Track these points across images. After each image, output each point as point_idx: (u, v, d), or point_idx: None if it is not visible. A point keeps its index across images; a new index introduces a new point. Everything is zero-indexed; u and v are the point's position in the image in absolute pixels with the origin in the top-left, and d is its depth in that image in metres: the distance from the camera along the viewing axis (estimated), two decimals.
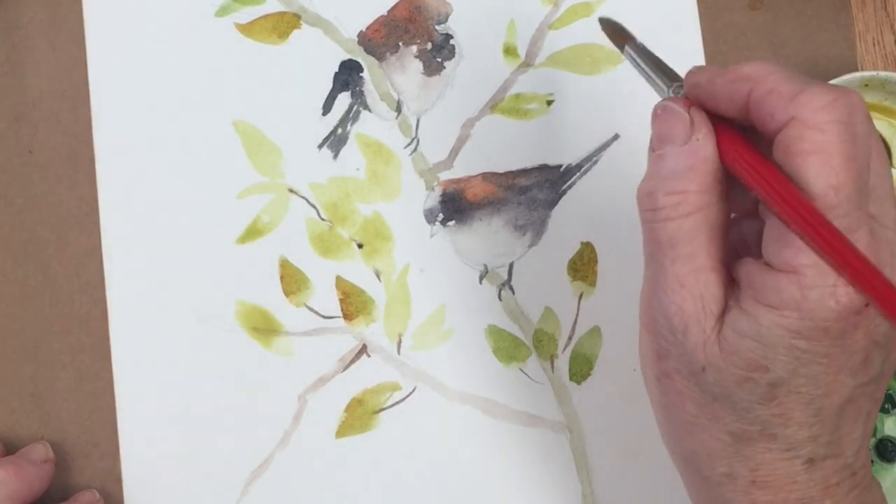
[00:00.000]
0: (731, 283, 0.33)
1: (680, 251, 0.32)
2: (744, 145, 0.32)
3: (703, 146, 0.32)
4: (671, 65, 0.49)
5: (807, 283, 0.30)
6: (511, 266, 0.49)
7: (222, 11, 0.50)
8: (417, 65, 0.50)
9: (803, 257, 0.30)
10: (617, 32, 0.39)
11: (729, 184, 0.33)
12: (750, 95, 0.31)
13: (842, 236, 0.30)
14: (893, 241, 0.32)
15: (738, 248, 0.35)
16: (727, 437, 0.33)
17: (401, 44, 0.50)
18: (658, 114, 0.34)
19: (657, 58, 0.36)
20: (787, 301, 0.30)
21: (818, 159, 0.30)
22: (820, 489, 0.33)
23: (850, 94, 0.31)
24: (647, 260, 0.34)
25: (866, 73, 0.46)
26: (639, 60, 0.37)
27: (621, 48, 0.37)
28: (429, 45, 0.50)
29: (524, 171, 0.49)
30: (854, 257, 0.30)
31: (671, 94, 0.34)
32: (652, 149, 0.34)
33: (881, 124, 0.48)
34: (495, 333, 0.49)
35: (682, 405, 0.33)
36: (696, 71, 0.34)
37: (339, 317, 0.49)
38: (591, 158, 0.49)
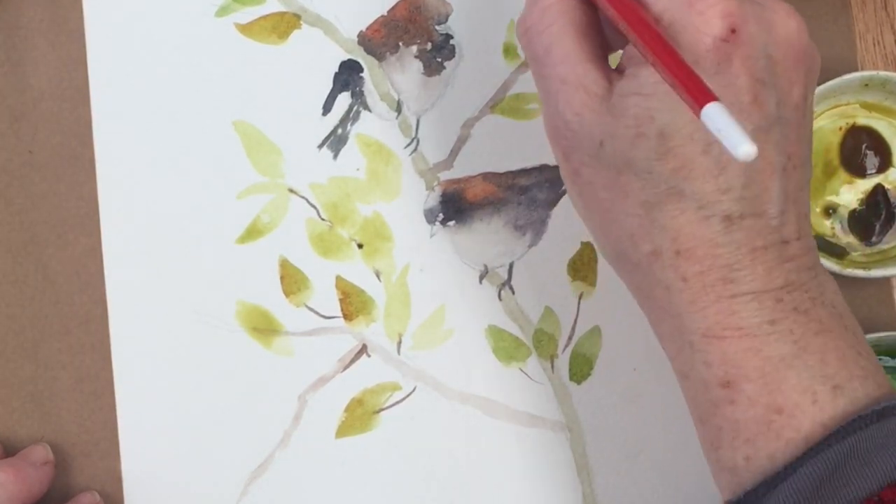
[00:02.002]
0: (618, 72, 0.35)
1: (555, 55, 0.35)
2: None
3: None
4: None
5: (665, 25, 0.33)
6: (511, 266, 0.49)
7: (222, 11, 0.50)
8: (417, 65, 0.50)
9: (657, 5, 0.33)
10: None
11: None
12: None
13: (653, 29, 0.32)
14: None
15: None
16: (641, 210, 0.34)
17: (401, 44, 0.50)
18: None
19: None
20: None
21: None
22: (746, 252, 0.33)
23: None
24: (535, 82, 0.36)
25: (866, 73, 0.46)
26: None
27: None
28: (429, 45, 0.50)
29: (524, 171, 0.49)
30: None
31: None
32: None
33: (881, 124, 0.48)
34: (495, 333, 0.49)
35: (594, 194, 0.35)
36: None
37: (339, 317, 0.49)
38: None
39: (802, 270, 0.34)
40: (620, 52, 0.36)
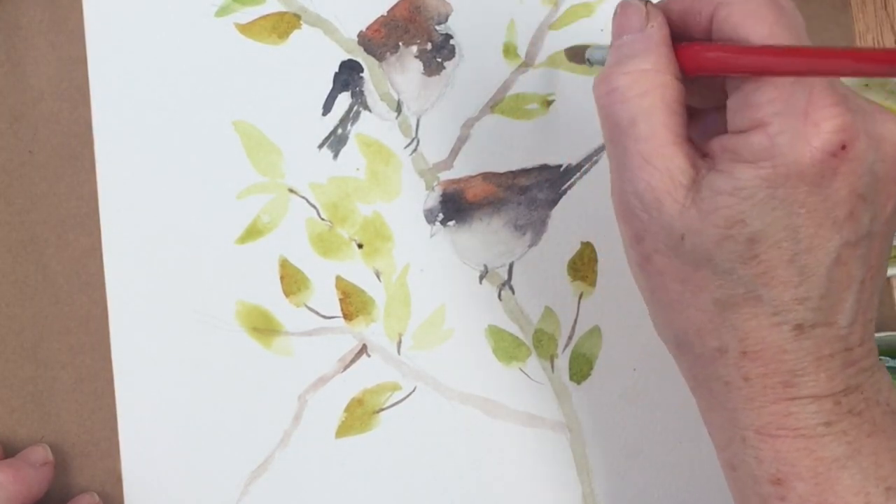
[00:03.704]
0: (702, 157, 0.33)
1: (641, 129, 0.33)
2: (697, 42, 0.34)
3: (657, 31, 0.34)
4: None
5: (775, 131, 0.31)
6: (511, 266, 0.49)
7: (222, 11, 0.50)
8: (417, 65, 0.50)
9: (767, 108, 0.31)
10: (578, 54, 0.41)
11: (692, 86, 0.34)
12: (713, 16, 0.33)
13: (804, 48, 0.31)
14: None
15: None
16: (713, 307, 0.33)
17: (401, 44, 0.50)
18: (618, 12, 0.35)
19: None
20: (760, 152, 0.31)
21: (749, 21, 0.32)
22: (812, 360, 0.33)
23: None
24: (609, 148, 0.34)
25: None
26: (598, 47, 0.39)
27: (586, 61, 0.40)
28: (429, 45, 0.50)
29: (524, 171, 0.49)
30: (833, 52, 0.30)
31: None
32: (612, 42, 0.35)
33: None
34: (495, 333, 0.49)
35: (665, 284, 0.34)
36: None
37: (339, 317, 0.49)
38: (591, 158, 0.49)
39: (862, 373, 0.34)
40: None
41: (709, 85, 0.35)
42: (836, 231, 0.32)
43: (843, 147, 0.31)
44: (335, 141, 0.50)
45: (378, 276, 0.49)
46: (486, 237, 0.49)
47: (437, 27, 0.50)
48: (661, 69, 0.33)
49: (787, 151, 0.31)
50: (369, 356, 0.49)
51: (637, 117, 0.33)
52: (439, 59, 0.50)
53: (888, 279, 0.48)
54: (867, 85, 0.46)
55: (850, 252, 0.32)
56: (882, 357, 0.46)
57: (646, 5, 0.34)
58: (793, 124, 0.31)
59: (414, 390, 0.48)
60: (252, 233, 0.49)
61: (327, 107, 0.50)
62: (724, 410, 0.34)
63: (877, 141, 0.32)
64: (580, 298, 0.49)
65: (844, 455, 0.33)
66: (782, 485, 0.33)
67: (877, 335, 0.45)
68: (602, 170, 0.49)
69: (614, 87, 0.33)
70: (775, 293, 0.32)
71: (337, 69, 0.50)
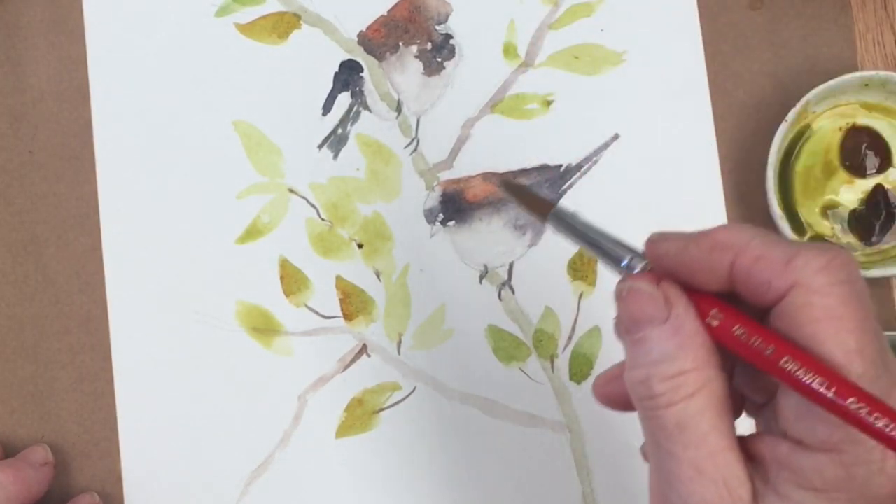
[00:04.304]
0: (749, 461, 0.29)
1: (691, 435, 0.29)
2: (737, 316, 0.29)
3: (685, 320, 0.29)
4: (672, 68, 0.49)
5: (850, 461, 0.27)
6: (511, 266, 0.49)
7: (222, 11, 0.50)
8: (417, 65, 0.50)
9: (841, 433, 0.27)
10: (533, 201, 0.34)
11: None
12: (734, 265, 0.29)
13: (882, 404, 0.26)
14: None
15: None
16: None
17: (401, 44, 0.50)
18: (624, 296, 0.30)
19: (596, 229, 0.32)
20: (832, 482, 0.27)
21: (832, 325, 0.27)
22: None
23: (844, 253, 0.28)
24: (651, 450, 0.30)
25: (866, 73, 0.46)
26: (575, 228, 0.32)
27: (543, 218, 0.33)
28: (429, 45, 0.50)
29: (524, 171, 0.49)
30: None
31: (627, 266, 0.31)
32: (625, 331, 0.30)
33: (881, 124, 0.47)
34: (495, 333, 0.49)
35: None
36: (659, 239, 0.30)
37: (339, 317, 0.49)
38: (591, 158, 0.49)
39: None
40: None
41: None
42: None
43: None
44: (335, 141, 0.49)
45: (378, 276, 0.49)
46: (486, 237, 0.49)
47: (437, 27, 0.50)
48: (702, 366, 0.29)
49: (864, 485, 0.27)
50: (369, 356, 0.49)
51: (685, 422, 0.29)
52: (439, 59, 0.50)
53: (888, 279, 0.48)
54: (867, 85, 0.46)
55: None
56: None
57: (659, 287, 0.30)
58: (870, 455, 0.27)
59: (414, 390, 0.48)
60: (252, 233, 0.49)
61: (327, 107, 0.50)
62: None
63: None
64: (580, 298, 0.49)
65: None
66: None
67: None
68: (602, 170, 0.49)
69: (655, 393, 0.29)
70: None
71: (337, 69, 0.50)
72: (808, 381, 0.27)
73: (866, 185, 0.47)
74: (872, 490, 0.27)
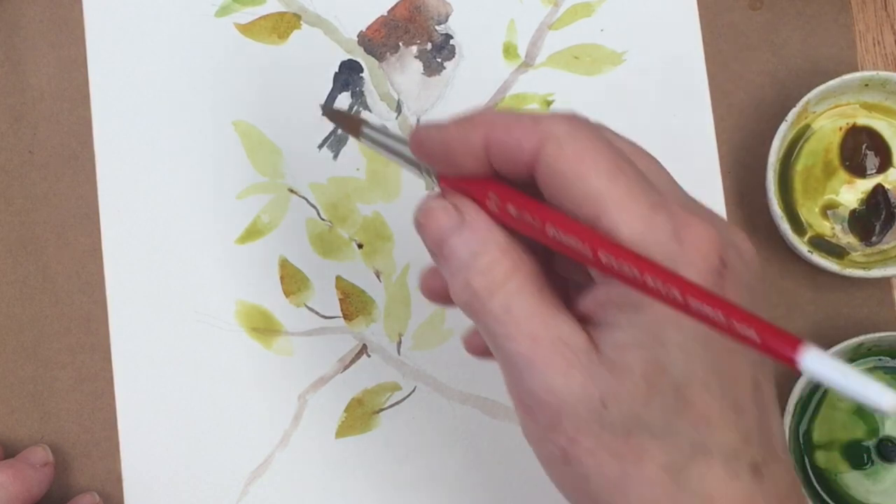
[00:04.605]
0: (581, 317, 0.31)
1: (519, 312, 0.30)
2: (509, 195, 0.31)
3: (478, 218, 0.31)
4: (672, 68, 0.49)
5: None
6: None
7: (222, 11, 0.50)
8: (417, 65, 0.50)
9: (649, 239, 0.29)
10: (347, 121, 0.37)
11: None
12: (488, 139, 0.31)
13: (630, 253, 0.28)
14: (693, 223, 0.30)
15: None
16: (663, 475, 0.29)
17: (401, 44, 0.50)
18: (422, 221, 0.32)
19: (403, 138, 0.34)
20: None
21: (585, 166, 0.29)
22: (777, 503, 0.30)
23: (585, 117, 0.31)
24: (493, 348, 0.31)
25: (866, 73, 0.46)
26: (384, 142, 0.35)
27: (357, 135, 0.36)
28: (429, 45, 0.50)
29: None
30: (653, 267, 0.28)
31: (429, 171, 0.33)
32: (437, 253, 0.32)
33: (881, 124, 0.48)
34: None
35: (601, 466, 0.30)
36: (421, 128, 0.32)
37: (339, 317, 0.49)
38: None
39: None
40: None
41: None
42: (743, 353, 0.30)
43: (723, 262, 0.29)
44: (335, 141, 0.50)
45: (378, 276, 0.49)
46: None
47: (437, 27, 0.50)
48: (507, 250, 0.31)
49: None
50: (369, 356, 0.49)
51: (510, 303, 0.30)
52: (439, 59, 0.50)
53: (887, 279, 0.48)
54: (867, 85, 0.46)
55: (759, 371, 0.30)
56: (882, 357, 0.46)
57: (445, 197, 0.32)
58: (672, 253, 0.29)
59: (414, 390, 0.48)
60: (252, 233, 0.49)
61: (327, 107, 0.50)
62: None
63: (739, 250, 0.31)
64: None
65: None
66: None
67: (877, 335, 0.45)
68: None
69: (476, 289, 0.31)
70: (720, 438, 0.29)
71: (337, 69, 0.50)
72: (569, 244, 0.29)
73: (866, 185, 0.47)
74: None
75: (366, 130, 0.35)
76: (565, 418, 0.30)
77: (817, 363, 0.25)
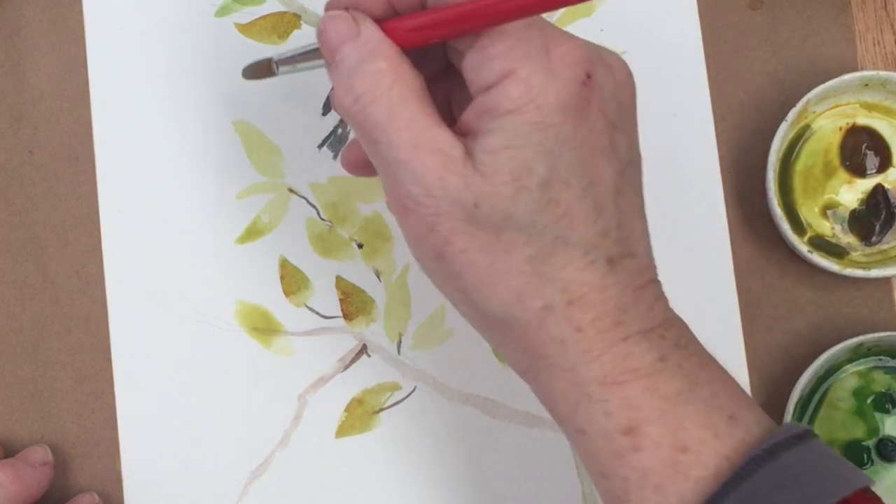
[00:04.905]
0: (460, 133, 0.34)
1: (401, 120, 0.33)
2: (404, 18, 0.34)
3: (373, 32, 0.34)
4: (672, 68, 0.49)
5: (526, 74, 0.32)
6: None
7: (222, 11, 0.50)
8: None
9: (510, 55, 0.32)
10: (261, 68, 0.41)
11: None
12: None
13: None
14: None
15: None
16: (528, 266, 0.33)
17: None
18: (322, 29, 0.35)
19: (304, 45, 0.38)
20: (519, 98, 0.32)
21: None
22: (630, 293, 0.34)
23: None
24: (372, 153, 0.34)
25: (866, 73, 0.46)
26: (295, 58, 0.39)
27: (274, 73, 0.40)
28: None
29: None
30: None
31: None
32: (330, 61, 0.35)
33: (881, 124, 0.48)
34: None
35: (472, 262, 0.33)
36: (329, 3, 0.36)
37: (339, 317, 0.49)
38: None
39: (668, 307, 0.35)
40: None
41: (430, 60, 0.36)
42: (607, 160, 0.33)
43: (589, 76, 0.33)
44: (335, 141, 0.50)
45: (378, 276, 0.49)
46: None
47: None
48: (396, 63, 0.34)
49: (545, 90, 0.32)
50: (369, 356, 0.49)
51: (393, 110, 0.33)
52: None
53: (888, 279, 0.48)
54: (867, 85, 0.46)
55: (623, 180, 0.34)
56: (882, 357, 0.46)
57: (348, 11, 0.35)
58: (540, 64, 0.32)
59: (414, 390, 0.48)
60: (252, 233, 0.49)
61: (327, 107, 0.50)
62: (563, 373, 0.34)
63: (609, 69, 0.34)
64: None
65: (685, 388, 0.33)
66: (634, 433, 0.33)
67: (877, 335, 0.45)
68: None
69: (360, 92, 0.33)
70: (580, 232, 0.33)
71: None
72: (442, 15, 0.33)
73: (866, 185, 0.47)
74: (553, 93, 0.32)
75: (278, 62, 0.39)
76: (440, 219, 0.33)
77: None
